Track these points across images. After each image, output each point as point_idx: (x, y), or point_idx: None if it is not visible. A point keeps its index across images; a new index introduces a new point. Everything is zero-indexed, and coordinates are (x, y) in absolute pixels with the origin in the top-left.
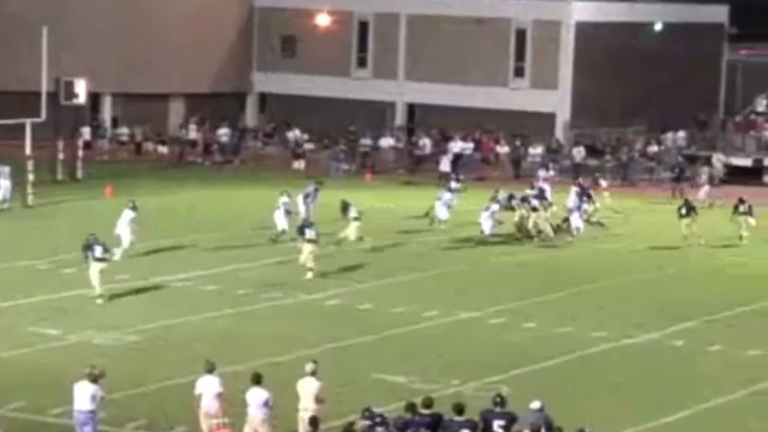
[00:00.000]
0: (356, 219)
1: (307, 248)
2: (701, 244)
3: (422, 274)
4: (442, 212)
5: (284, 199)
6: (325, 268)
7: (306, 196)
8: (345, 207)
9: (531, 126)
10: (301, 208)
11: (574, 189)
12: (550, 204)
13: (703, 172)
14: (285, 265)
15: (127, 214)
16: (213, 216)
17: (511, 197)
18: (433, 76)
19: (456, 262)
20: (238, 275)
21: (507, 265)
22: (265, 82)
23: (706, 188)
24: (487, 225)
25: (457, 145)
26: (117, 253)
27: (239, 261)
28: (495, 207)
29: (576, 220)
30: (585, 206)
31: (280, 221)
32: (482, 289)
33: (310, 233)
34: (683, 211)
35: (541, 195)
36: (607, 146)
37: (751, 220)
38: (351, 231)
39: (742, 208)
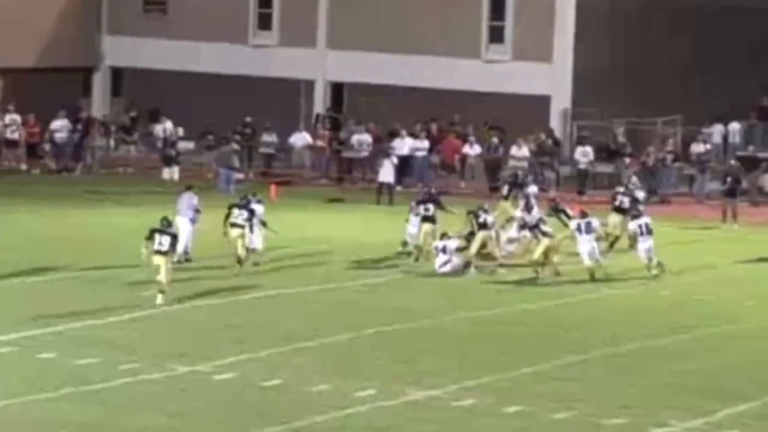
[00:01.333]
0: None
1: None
2: None
3: (357, 334)
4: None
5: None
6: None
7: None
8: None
9: (514, 116)
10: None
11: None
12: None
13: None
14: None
15: None
16: (39, 253)
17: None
18: (367, 44)
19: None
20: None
21: (482, 320)
22: (120, 51)
23: None
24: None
25: (405, 144)
26: None
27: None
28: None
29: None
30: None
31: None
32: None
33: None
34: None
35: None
36: (625, 146)
37: None
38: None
39: None
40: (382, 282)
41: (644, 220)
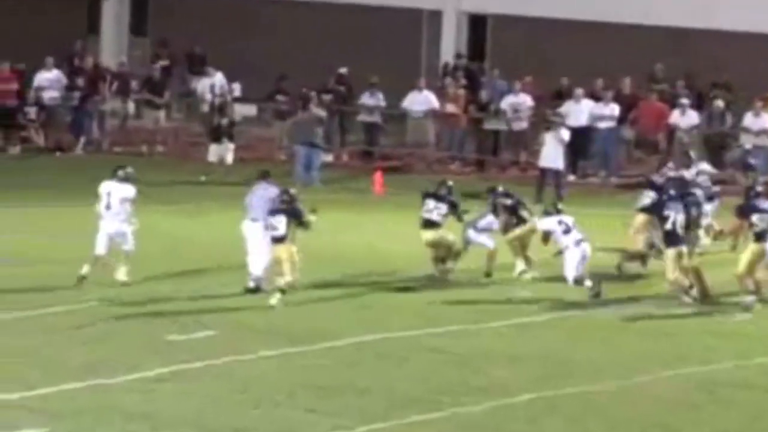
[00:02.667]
0: None
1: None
2: None
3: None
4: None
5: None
6: None
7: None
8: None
9: (747, 66)
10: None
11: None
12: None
13: None
14: None
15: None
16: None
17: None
18: None
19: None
20: None
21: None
22: None
23: None
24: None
25: (580, 110)
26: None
27: None
28: (489, 219)
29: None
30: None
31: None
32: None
33: None
34: None
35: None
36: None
37: None
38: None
39: None
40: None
41: None
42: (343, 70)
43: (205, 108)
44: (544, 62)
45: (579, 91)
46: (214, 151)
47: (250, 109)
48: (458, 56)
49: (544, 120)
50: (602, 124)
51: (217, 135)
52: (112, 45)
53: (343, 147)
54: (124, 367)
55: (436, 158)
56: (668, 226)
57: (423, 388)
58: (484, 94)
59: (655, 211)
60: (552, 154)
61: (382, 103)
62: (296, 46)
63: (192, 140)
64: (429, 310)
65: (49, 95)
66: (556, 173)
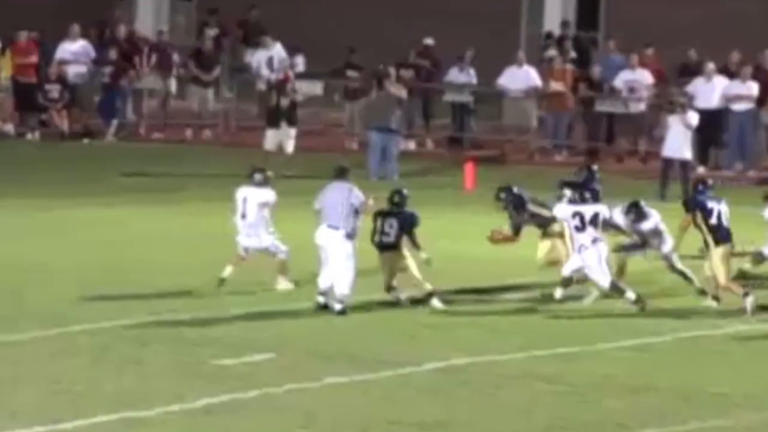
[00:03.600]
0: None
1: None
2: None
3: None
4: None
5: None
6: None
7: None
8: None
9: None
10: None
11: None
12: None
13: None
14: None
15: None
16: None
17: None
18: None
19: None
20: None
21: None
22: None
23: None
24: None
25: (711, 89)
26: None
27: None
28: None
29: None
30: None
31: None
32: None
33: None
34: None
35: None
36: None
37: None
38: None
39: None
40: None
41: None
42: (428, 41)
43: (262, 86)
44: (669, 31)
45: (710, 66)
46: (271, 138)
47: (315, 88)
48: (565, 25)
49: (667, 101)
50: (738, 106)
51: (275, 118)
52: (150, 10)
53: (426, 133)
54: (164, 397)
55: (538, 147)
56: None
57: (522, 425)
58: (595, 70)
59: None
60: (677, 141)
61: (474, 81)
62: (371, 12)
63: (245, 124)
64: (532, 329)
65: (75, 70)
66: (683, 164)
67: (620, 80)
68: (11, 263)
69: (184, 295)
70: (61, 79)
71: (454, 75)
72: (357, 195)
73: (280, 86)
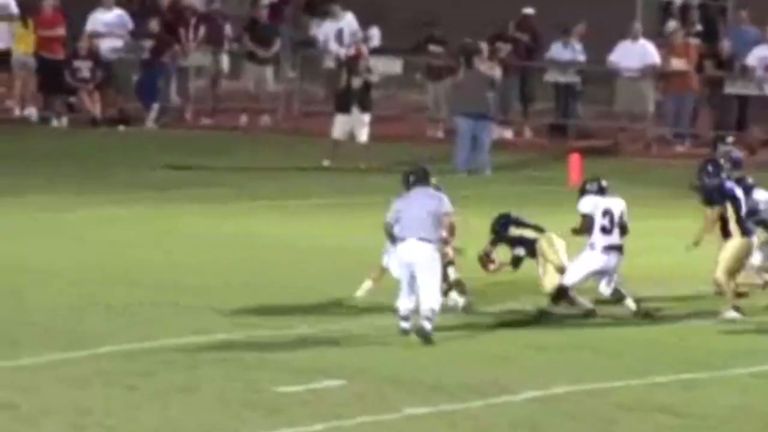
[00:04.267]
0: None
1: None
2: None
3: None
4: None
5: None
6: None
7: None
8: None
9: None
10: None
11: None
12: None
13: None
14: None
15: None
16: None
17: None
18: None
19: None
20: None
21: None
22: None
23: None
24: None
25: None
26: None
27: None
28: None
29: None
30: None
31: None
32: None
33: None
34: None
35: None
36: None
37: None
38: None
39: None
40: None
41: None
42: (527, 11)
43: (330, 63)
44: None
45: None
46: (341, 125)
47: (392, 65)
48: None
49: None
50: None
51: (346, 102)
52: None
53: (525, 119)
54: (218, 431)
55: (656, 136)
56: None
57: None
58: (725, 45)
59: None
60: None
61: (581, 57)
62: None
63: (311, 109)
64: (648, 350)
65: (109, 45)
66: None
67: (754, 57)
68: (21, 267)
69: (241, 310)
70: (93, 55)
71: (558, 51)
72: (447, 208)
73: (351, 64)
